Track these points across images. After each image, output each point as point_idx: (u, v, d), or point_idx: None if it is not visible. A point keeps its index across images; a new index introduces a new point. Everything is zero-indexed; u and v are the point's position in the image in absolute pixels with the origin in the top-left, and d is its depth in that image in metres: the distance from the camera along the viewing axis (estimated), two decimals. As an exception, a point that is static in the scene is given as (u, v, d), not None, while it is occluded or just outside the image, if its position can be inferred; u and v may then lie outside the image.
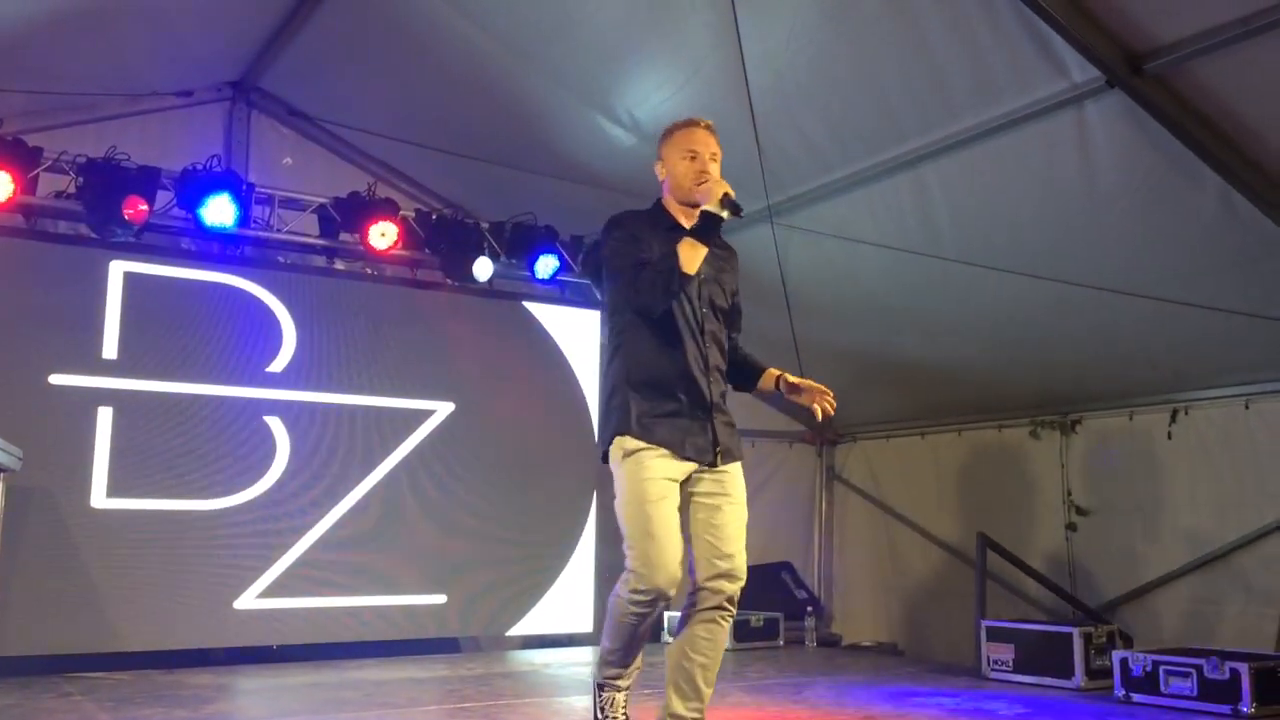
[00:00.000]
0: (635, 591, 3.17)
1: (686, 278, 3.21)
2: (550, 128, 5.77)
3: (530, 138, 5.90)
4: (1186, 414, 5.81)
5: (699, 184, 3.30)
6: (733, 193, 3.21)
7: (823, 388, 3.36)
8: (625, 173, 5.60)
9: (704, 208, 3.24)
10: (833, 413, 3.37)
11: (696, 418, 3.28)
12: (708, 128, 3.41)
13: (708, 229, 3.21)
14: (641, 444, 3.23)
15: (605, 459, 3.37)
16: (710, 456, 3.29)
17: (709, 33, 4.70)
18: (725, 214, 3.20)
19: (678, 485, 3.26)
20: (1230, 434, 5.61)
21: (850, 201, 5.43)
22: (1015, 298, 5.49)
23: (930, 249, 5.38)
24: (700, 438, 3.28)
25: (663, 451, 3.23)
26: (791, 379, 3.42)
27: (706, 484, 3.29)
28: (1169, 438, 5.85)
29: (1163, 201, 4.57)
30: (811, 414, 3.38)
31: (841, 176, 5.29)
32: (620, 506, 3.27)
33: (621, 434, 3.27)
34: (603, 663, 3.38)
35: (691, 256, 3.19)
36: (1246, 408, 5.55)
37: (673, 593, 3.19)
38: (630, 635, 3.28)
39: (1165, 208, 4.60)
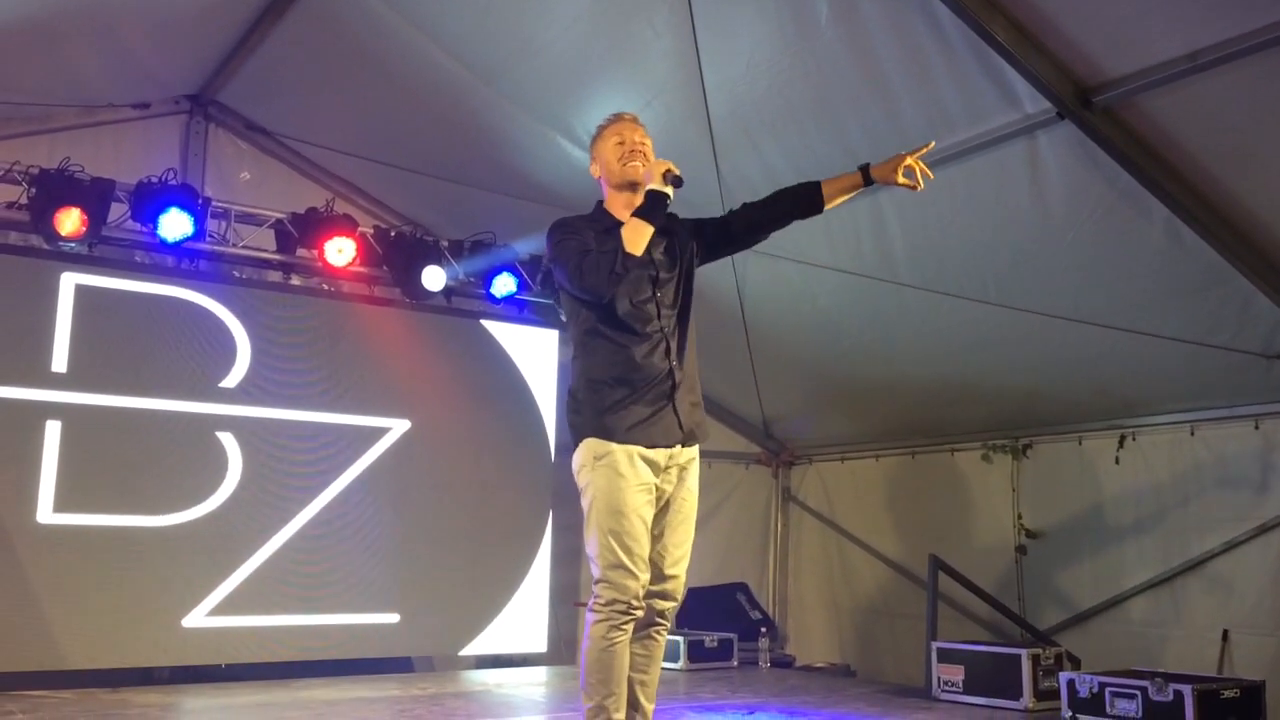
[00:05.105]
0: (611, 604, 3.09)
1: (632, 258, 3.15)
2: (511, 148, 5.77)
3: (491, 157, 5.91)
4: (1134, 439, 5.91)
5: (627, 162, 3.30)
6: (675, 169, 3.22)
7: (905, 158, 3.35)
8: (585, 193, 5.52)
9: (649, 186, 3.23)
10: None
11: (659, 404, 3.22)
12: (633, 119, 3.42)
13: (653, 206, 3.20)
14: (611, 445, 3.15)
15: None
16: (678, 435, 3.24)
17: (669, 60, 4.74)
18: (669, 189, 3.21)
19: (653, 490, 3.20)
20: (1175, 460, 5.72)
21: (807, 226, 5.45)
22: (968, 323, 5.57)
23: (885, 274, 5.45)
24: (668, 418, 3.22)
25: (637, 451, 3.15)
26: (883, 168, 3.38)
27: (667, 483, 3.24)
28: (1116, 463, 5.95)
29: (1112, 231, 4.66)
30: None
31: (799, 201, 5.33)
32: (592, 513, 3.17)
33: (589, 436, 3.20)
34: (599, 711, 3.12)
35: (635, 236, 3.15)
36: (1192, 434, 5.66)
37: (640, 610, 3.15)
38: (619, 664, 3.12)
39: (1114, 237, 4.69)
